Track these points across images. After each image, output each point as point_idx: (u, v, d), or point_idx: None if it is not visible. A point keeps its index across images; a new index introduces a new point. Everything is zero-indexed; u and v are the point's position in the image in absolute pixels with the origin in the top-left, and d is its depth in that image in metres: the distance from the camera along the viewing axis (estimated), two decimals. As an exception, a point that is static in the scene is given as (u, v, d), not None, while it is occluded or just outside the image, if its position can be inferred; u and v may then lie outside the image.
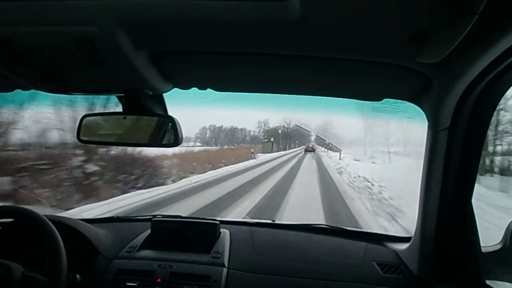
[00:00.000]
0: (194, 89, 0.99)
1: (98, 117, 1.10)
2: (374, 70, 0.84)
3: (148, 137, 1.07)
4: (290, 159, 19.41)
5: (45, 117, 6.63)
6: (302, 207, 6.47)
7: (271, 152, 24.41)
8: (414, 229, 1.18)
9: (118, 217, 1.71)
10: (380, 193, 7.91)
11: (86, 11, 0.63)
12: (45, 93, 0.96)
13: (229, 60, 0.84)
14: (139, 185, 8.16)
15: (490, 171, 6.76)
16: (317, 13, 0.61)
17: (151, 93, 0.93)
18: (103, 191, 7.13)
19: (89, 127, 1.09)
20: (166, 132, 1.04)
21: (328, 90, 1.03)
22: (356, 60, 0.80)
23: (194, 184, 9.43)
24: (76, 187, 6.69)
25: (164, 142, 1.05)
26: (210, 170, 12.57)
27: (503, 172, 6.70)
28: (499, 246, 1.03)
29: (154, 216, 1.55)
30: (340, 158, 18.36)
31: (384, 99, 1.02)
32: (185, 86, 0.98)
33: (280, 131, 29.38)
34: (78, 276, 1.19)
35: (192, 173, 11.74)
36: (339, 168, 14.30)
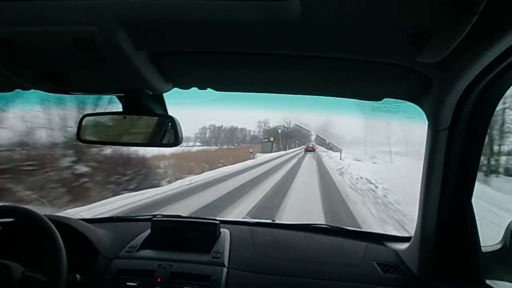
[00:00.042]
0: (194, 89, 0.99)
1: (98, 117, 1.10)
2: (374, 70, 0.84)
3: (148, 137, 1.07)
4: (289, 159, 19.07)
5: (33, 116, 6.39)
6: (302, 213, 5.96)
7: (271, 152, 24.25)
8: (414, 229, 1.18)
9: (118, 217, 1.71)
10: (385, 196, 7.39)
11: (86, 11, 0.63)
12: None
13: (229, 60, 0.84)
14: (131, 186, 7.83)
15: (498, 172, 6.65)
16: (317, 13, 0.61)
17: (151, 93, 0.93)
18: (94, 193, 6.88)
19: (89, 127, 1.09)
20: (166, 132, 1.04)
21: (328, 90, 1.03)
22: (356, 60, 0.80)
23: (189, 186, 9.00)
24: (64, 189, 6.41)
25: (164, 142, 1.05)
26: (208, 171, 12.32)
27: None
28: (499, 246, 1.03)
29: (154, 216, 1.55)
30: (341, 158, 18.25)
31: (384, 99, 1.02)
32: (185, 86, 0.98)
33: (280, 131, 29.33)
34: (78, 276, 1.19)
35: (189, 173, 11.48)
36: (340, 168, 13.87)
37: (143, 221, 1.55)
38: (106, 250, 1.33)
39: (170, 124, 1.03)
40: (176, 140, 1.02)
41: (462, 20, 0.55)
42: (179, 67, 0.87)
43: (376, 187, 8.64)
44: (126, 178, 7.96)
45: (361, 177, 10.51)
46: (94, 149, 7.30)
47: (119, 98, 1.05)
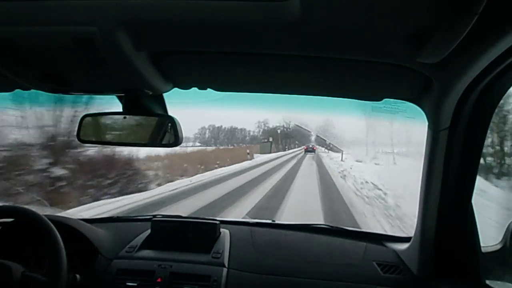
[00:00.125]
0: (194, 89, 1.00)
1: (98, 117, 1.10)
2: (374, 70, 0.84)
3: (148, 137, 1.07)
4: (288, 161, 18.37)
5: (3, 114, 5.86)
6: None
7: (270, 152, 23.82)
8: (414, 229, 1.18)
9: (118, 217, 1.71)
10: (399, 206, 6.07)
11: (86, 11, 0.63)
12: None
13: (229, 60, 0.84)
14: (113, 191, 7.16)
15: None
16: (317, 13, 0.61)
17: (151, 93, 0.93)
18: (70, 198, 6.28)
19: (89, 127, 1.09)
20: (166, 132, 1.04)
21: (328, 90, 1.03)
22: (356, 60, 0.80)
23: (174, 191, 8.09)
24: (37, 194, 5.76)
25: (164, 142, 1.05)
26: (203, 172, 11.77)
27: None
28: (499, 246, 1.03)
29: (154, 216, 1.55)
30: (342, 160, 17.46)
31: (384, 99, 1.02)
32: (185, 86, 0.98)
33: (279, 131, 29.18)
34: (78, 276, 1.19)
35: (182, 176, 10.85)
36: (342, 171, 12.76)
37: (143, 221, 1.55)
38: (106, 250, 1.33)
39: (170, 124, 1.03)
40: (176, 140, 1.02)
41: (462, 20, 0.55)
42: (179, 67, 0.87)
43: (385, 194, 7.46)
44: (108, 181, 7.29)
45: (366, 181, 9.36)
46: (74, 150, 6.78)
47: (119, 98, 1.05)
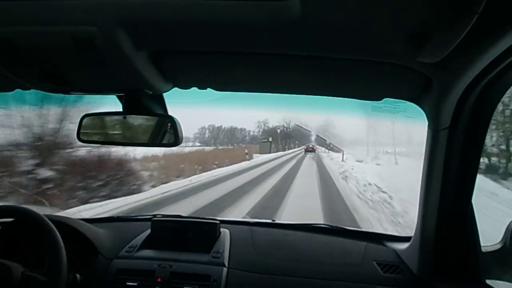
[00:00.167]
0: (194, 89, 1.00)
1: (98, 117, 1.10)
2: (374, 70, 0.84)
3: (148, 137, 1.07)
4: (287, 161, 17.88)
5: None
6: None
7: (269, 152, 23.56)
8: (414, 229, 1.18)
9: (118, 216, 1.71)
10: (407, 212, 5.53)
11: (86, 11, 0.63)
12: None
13: (229, 60, 0.84)
14: (103, 193, 6.74)
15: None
16: (317, 13, 0.61)
17: (151, 92, 0.93)
18: (57, 201, 5.87)
19: (89, 127, 1.09)
20: (166, 132, 1.04)
21: (328, 90, 1.03)
22: (356, 60, 0.80)
23: (168, 193, 7.66)
24: (22, 198, 5.43)
25: (164, 142, 1.05)
26: (200, 173, 11.39)
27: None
28: (499, 246, 1.03)
29: (154, 215, 1.55)
30: (343, 160, 17.11)
31: (384, 99, 1.02)
32: (185, 86, 0.98)
33: (279, 131, 29.06)
34: (78, 276, 1.19)
35: (178, 177, 10.44)
36: (343, 172, 12.22)
37: (143, 221, 1.55)
38: (106, 250, 1.33)
39: (170, 124, 1.03)
40: (176, 140, 1.02)
41: (462, 20, 0.55)
42: (179, 67, 0.87)
43: (391, 197, 6.89)
44: (99, 183, 6.85)
45: (369, 183, 8.77)
46: (63, 150, 6.43)
47: (119, 98, 1.05)
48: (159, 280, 1.23)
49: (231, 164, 14.37)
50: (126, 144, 1.18)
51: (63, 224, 1.27)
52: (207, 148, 21.33)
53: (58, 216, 1.53)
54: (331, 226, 1.54)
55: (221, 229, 1.45)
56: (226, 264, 1.29)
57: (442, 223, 1.04)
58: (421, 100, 0.97)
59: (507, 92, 0.87)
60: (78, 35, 0.67)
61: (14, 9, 0.64)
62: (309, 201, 6.69)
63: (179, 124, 1.03)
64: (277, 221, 1.63)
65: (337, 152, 20.95)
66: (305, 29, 0.66)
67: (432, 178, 1.02)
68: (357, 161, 15.82)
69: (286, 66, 0.86)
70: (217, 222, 1.45)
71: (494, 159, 6.72)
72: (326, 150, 24.39)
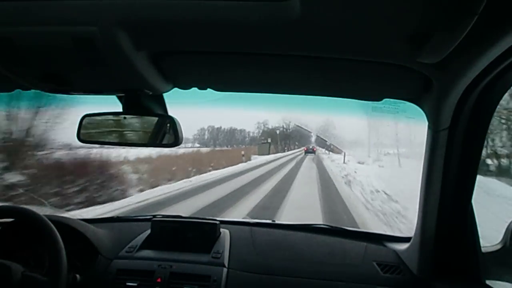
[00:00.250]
0: (194, 89, 1.00)
1: (98, 117, 1.10)
2: (374, 70, 0.84)
3: (148, 137, 1.07)
4: (286, 163, 17.10)
5: None
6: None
7: (268, 154, 23.19)
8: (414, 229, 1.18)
9: (118, 217, 1.71)
10: None
11: (86, 11, 0.63)
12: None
13: (229, 60, 0.84)
14: (79, 199, 6.07)
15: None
16: (317, 13, 0.61)
17: (151, 93, 0.93)
18: None
19: (89, 127, 1.09)
20: (166, 132, 1.04)
21: (328, 90, 1.03)
22: (356, 60, 0.80)
23: (148, 201, 6.77)
24: None
25: (164, 142, 1.06)
26: (195, 175, 10.78)
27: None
28: (499, 246, 1.03)
29: (154, 216, 1.55)
30: (344, 162, 16.17)
31: (384, 99, 1.02)
32: (185, 86, 0.98)
33: (278, 132, 28.93)
34: (78, 276, 1.19)
35: (170, 180, 9.73)
36: (345, 175, 11.17)
37: (143, 221, 1.55)
38: (106, 250, 1.33)
39: (170, 124, 1.03)
40: (176, 140, 1.02)
41: (462, 20, 0.55)
42: (179, 67, 0.88)
43: (406, 208, 5.71)
44: (76, 188, 6.13)
45: (377, 190, 7.69)
46: (36, 152, 5.93)
47: (119, 98, 1.05)
48: (159, 280, 1.23)
49: (228, 166, 13.77)
50: (126, 144, 1.18)
51: (63, 224, 1.27)
52: (204, 149, 20.79)
53: (58, 216, 1.53)
54: (331, 226, 1.54)
55: (221, 230, 1.45)
56: (226, 264, 1.28)
57: (442, 223, 1.04)
58: (421, 101, 0.97)
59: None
60: (78, 35, 0.67)
61: (14, 9, 0.64)
62: (308, 214, 5.67)
63: (179, 125, 1.03)
64: (277, 222, 1.63)
65: (337, 153, 20.59)
66: (305, 29, 0.66)
67: (432, 178, 1.02)
68: (359, 162, 15.42)
69: (286, 66, 0.86)
70: (217, 222, 1.45)
71: (504, 160, 6.53)
72: (327, 151, 24.04)
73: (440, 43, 0.64)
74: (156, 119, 1.07)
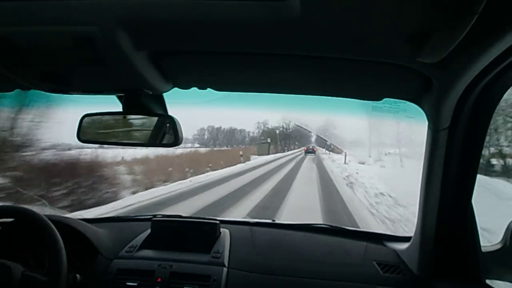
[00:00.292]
0: (194, 89, 1.00)
1: (98, 117, 1.10)
2: (374, 70, 0.84)
3: (148, 137, 1.07)
4: (285, 164, 16.53)
5: None
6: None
7: (268, 154, 23.07)
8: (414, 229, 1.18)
9: (118, 217, 1.72)
10: None
11: (86, 11, 0.63)
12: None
13: (229, 60, 0.84)
14: (65, 203, 5.73)
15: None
16: (317, 13, 0.61)
17: (151, 93, 0.93)
18: None
19: (89, 127, 1.09)
20: (166, 132, 1.04)
21: (328, 90, 1.04)
22: (356, 60, 0.80)
23: (138, 204, 6.31)
24: None
25: (164, 142, 1.06)
26: (192, 176, 10.38)
27: None
28: (499, 246, 1.03)
29: (154, 215, 1.55)
30: (345, 162, 15.90)
31: (384, 99, 1.02)
32: (185, 86, 0.98)
33: (278, 132, 28.84)
34: (78, 276, 1.19)
35: (165, 181, 9.29)
36: (347, 176, 10.75)
37: (143, 221, 1.55)
38: (106, 250, 1.33)
39: (170, 124, 1.03)
40: (176, 140, 1.02)
41: (462, 20, 0.55)
42: (179, 67, 0.88)
43: (415, 215, 3.97)
44: (63, 191, 5.75)
45: (382, 193, 7.17)
46: (21, 154, 5.58)
47: (119, 98, 1.05)
48: (159, 280, 1.23)
49: (226, 167, 13.44)
50: (126, 144, 1.18)
51: (63, 224, 1.27)
52: (202, 149, 20.52)
53: (58, 216, 1.53)
54: (331, 226, 1.54)
55: (221, 229, 1.45)
56: (226, 264, 1.28)
57: (442, 223, 1.04)
58: (421, 100, 0.97)
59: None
60: (78, 35, 0.67)
61: (14, 9, 0.64)
62: (308, 220, 4.95)
63: (179, 124, 1.03)
64: (277, 221, 1.63)
65: (338, 153, 20.48)
66: (305, 29, 0.66)
67: (432, 178, 1.02)
68: (359, 162, 15.27)
69: (286, 66, 0.86)
70: (217, 222, 1.45)
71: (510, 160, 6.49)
72: (327, 151, 23.93)
73: (440, 43, 0.64)
74: (156, 119, 1.07)
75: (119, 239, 1.41)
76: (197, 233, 1.42)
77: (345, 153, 17.57)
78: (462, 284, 1.05)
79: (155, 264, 1.27)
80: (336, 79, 0.94)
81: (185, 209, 5.75)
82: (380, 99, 1.02)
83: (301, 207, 6.14)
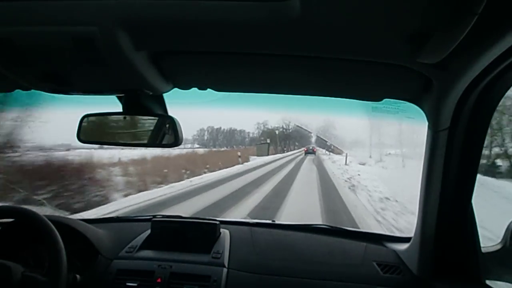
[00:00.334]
0: (194, 89, 1.00)
1: (98, 117, 1.10)
2: (374, 70, 0.84)
3: (148, 137, 1.07)
4: (285, 165, 16.02)
5: None
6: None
7: (267, 154, 22.80)
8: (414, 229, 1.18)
9: (118, 217, 1.71)
10: None
11: (86, 11, 0.63)
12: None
13: (229, 60, 0.84)
14: (47, 208, 5.18)
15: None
16: (317, 13, 0.61)
17: (151, 93, 0.93)
18: None
19: (89, 127, 1.09)
20: (166, 132, 1.04)
21: (328, 90, 1.04)
22: (356, 60, 0.80)
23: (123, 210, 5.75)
24: None
25: (164, 142, 1.06)
26: (189, 177, 9.94)
27: None
28: (499, 246, 1.03)
29: (154, 216, 1.55)
30: (346, 163, 15.36)
31: (384, 99, 1.02)
32: (185, 86, 0.98)
33: (277, 132, 28.76)
34: (78, 276, 1.19)
35: (160, 184, 8.84)
36: (349, 179, 10.15)
37: (143, 221, 1.55)
38: (106, 250, 1.33)
39: (170, 124, 1.03)
40: (176, 140, 1.02)
41: (462, 20, 0.55)
42: (179, 67, 0.88)
43: None
44: (46, 195, 5.31)
45: (387, 198, 6.53)
46: (4, 154, 5.25)
47: (119, 98, 1.05)
48: (159, 280, 1.23)
49: (225, 168, 13.03)
50: (126, 144, 1.18)
51: (63, 224, 1.27)
52: (200, 150, 20.13)
53: (58, 216, 1.53)
54: (331, 226, 1.54)
55: (221, 230, 1.45)
56: (226, 264, 1.28)
57: (442, 223, 1.04)
58: (421, 101, 0.98)
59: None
60: (78, 35, 0.67)
61: (14, 9, 0.64)
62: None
63: (179, 125, 1.03)
64: (277, 222, 1.63)
65: (338, 154, 20.36)
66: (305, 30, 0.66)
67: (432, 179, 1.02)
68: (360, 163, 15.05)
69: (286, 66, 0.86)
70: (217, 222, 1.45)
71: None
72: (327, 152, 23.76)
73: (440, 43, 0.64)
74: (156, 119, 1.07)
75: (119, 239, 1.41)
76: (197, 234, 1.42)
77: (346, 154, 17.16)
78: (462, 284, 1.05)
79: (155, 264, 1.27)
80: (336, 79, 0.94)
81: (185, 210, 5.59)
82: (380, 100, 1.02)
83: (300, 219, 5.18)
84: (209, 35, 0.70)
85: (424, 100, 0.96)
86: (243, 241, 1.41)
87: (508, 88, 0.86)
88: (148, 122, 1.08)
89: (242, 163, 15.29)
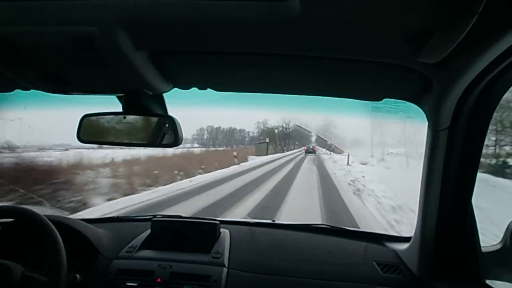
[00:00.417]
0: (194, 89, 1.00)
1: (98, 117, 1.10)
2: (374, 70, 0.84)
3: (147, 137, 1.07)
4: (284, 165, 15.23)
5: None
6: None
7: (266, 154, 22.51)
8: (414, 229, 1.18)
9: (118, 217, 1.71)
10: None
11: (86, 11, 0.63)
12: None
13: (229, 60, 0.84)
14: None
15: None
16: (317, 13, 0.61)
17: (151, 93, 0.93)
18: None
19: (89, 127, 1.09)
20: (166, 132, 1.04)
21: (328, 90, 1.04)
22: (356, 60, 0.80)
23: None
24: None
25: (164, 142, 1.05)
26: (182, 179, 9.51)
27: None
28: (499, 246, 1.03)
29: (154, 216, 1.55)
30: (348, 163, 14.61)
31: (384, 99, 1.02)
32: (185, 86, 0.98)
33: (277, 131, 28.65)
34: (78, 276, 1.19)
35: (150, 186, 8.23)
36: (352, 181, 9.22)
37: (143, 221, 1.55)
38: (106, 250, 1.33)
39: (170, 124, 1.03)
40: (176, 140, 1.02)
41: (462, 20, 0.55)
42: (179, 67, 0.88)
43: None
44: (14, 202, 4.81)
45: (400, 206, 5.63)
46: None
47: (119, 98, 1.05)
48: (159, 280, 1.23)
49: (221, 168, 12.43)
50: (126, 144, 1.18)
51: (63, 224, 1.27)
52: (196, 150, 19.65)
53: (58, 216, 1.53)
54: (331, 226, 1.54)
55: (221, 230, 1.45)
56: (226, 264, 1.28)
57: (442, 223, 1.04)
58: (421, 101, 0.98)
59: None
60: (78, 35, 0.67)
61: (14, 9, 0.64)
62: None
63: (179, 124, 1.03)
64: (277, 222, 1.63)
65: (338, 153, 20.31)
66: (305, 29, 0.66)
67: (432, 178, 1.02)
68: (361, 163, 14.79)
69: (286, 66, 0.86)
70: (217, 222, 1.45)
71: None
72: (328, 152, 23.76)
73: (440, 43, 0.64)
74: (156, 119, 1.07)
75: (119, 239, 1.41)
76: (197, 233, 1.42)
77: (348, 154, 16.49)
78: (462, 284, 1.05)
79: (155, 264, 1.27)
80: (336, 79, 0.94)
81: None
82: (380, 100, 1.02)
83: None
84: (209, 35, 0.70)
85: (424, 99, 0.96)
86: (243, 241, 1.41)
87: (508, 88, 0.86)
88: (148, 122, 1.08)
89: (238, 164, 14.63)
